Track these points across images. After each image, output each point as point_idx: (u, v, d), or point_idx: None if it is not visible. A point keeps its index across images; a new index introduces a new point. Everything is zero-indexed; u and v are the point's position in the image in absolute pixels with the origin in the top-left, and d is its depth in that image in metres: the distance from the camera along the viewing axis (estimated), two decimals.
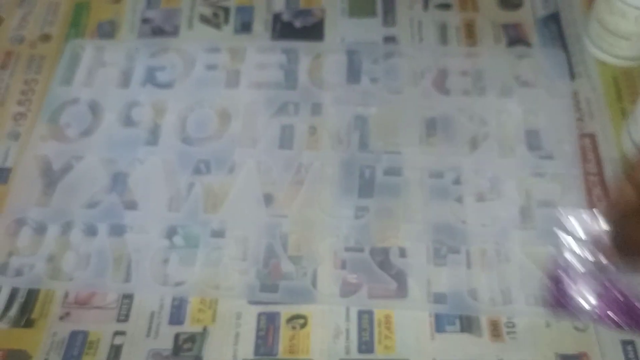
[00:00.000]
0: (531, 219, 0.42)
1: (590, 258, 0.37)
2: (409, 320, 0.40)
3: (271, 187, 0.45)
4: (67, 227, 0.44)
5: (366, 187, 0.44)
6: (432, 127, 0.47)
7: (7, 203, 0.45)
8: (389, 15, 0.53)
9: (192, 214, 0.44)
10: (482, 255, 0.41)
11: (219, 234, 0.43)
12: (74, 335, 0.40)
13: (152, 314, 0.41)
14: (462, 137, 0.46)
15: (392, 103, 0.48)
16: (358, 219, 0.43)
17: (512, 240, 0.41)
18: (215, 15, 0.54)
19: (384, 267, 0.41)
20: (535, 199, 0.43)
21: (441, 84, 0.48)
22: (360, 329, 0.39)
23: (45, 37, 0.54)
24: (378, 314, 0.40)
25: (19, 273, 0.42)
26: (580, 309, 0.37)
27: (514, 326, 0.39)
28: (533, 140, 0.45)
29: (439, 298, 0.40)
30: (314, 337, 0.39)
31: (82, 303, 0.41)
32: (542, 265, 0.40)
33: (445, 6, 0.53)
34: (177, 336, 0.40)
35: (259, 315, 0.40)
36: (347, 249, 0.42)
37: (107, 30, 0.54)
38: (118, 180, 0.46)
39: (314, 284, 0.41)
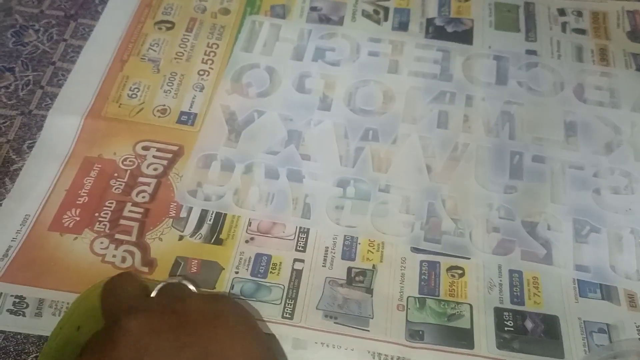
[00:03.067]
0: None
1: None
2: (554, 283, 0.45)
3: (431, 159, 0.51)
4: (250, 167, 0.50)
5: (516, 170, 0.50)
6: (571, 129, 0.53)
7: (197, 140, 0.51)
8: (530, 32, 0.60)
9: (362, 171, 0.50)
10: (619, 239, 0.47)
11: (385, 190, 0.49)
12: (259, 256, 0.46)
13: (326, 249, 0.46)
14: (599, 140, 0.52)
15: (536, 105, 0.54)
16: (508, 194, 0.49)
17: None
18: (376, 12, 0.61)
19: (533, 236, 0.47)
20: None
21: (580, 94, 0.55)
22: (512, 285, 0.45)
23: (225, 11, 0.61)
24: (526, 275, 0.45)
25: (207, 199, 0.48)
26: None
27: None
28: None
29: (581, 268, 0.46)
30: (471, 286, 0.45)
31: (264, 232, 0.47)
32: None
33: (581, 31, 0.60)
34: (349, 269, 0.45)
35: (421, 262, 0.46)
36: (500, 217, 0.48)
37: (279, 12, 0.61)
38: (294, 136, 0.52)
39: (472, 241, 0.47)
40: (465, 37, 0.59)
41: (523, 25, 0.60)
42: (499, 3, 0.62)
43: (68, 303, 0.43)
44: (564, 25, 0.60)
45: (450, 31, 0.60)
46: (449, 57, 0.57)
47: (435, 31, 0.60)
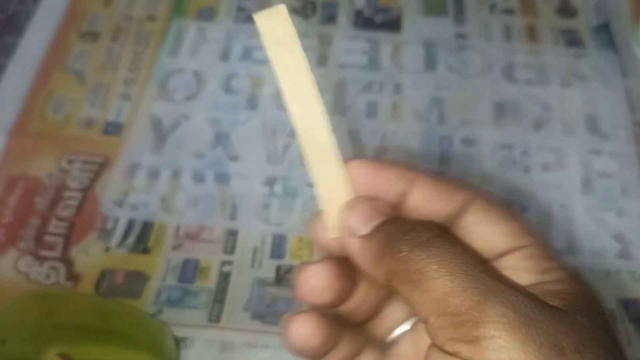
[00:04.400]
0: (592, 187, 0.48)
1: None
2: None
3: (360, 151, 0.50)
4: (177, 173, 0.49)
5: (445, 156, 0.50)
6: (501, 109, 0.53)
7: (123, 150, 0.50)
8: (459, 15, 0.59)
9: (290, 168, 0.49)
10: (549, 216, 0.47)
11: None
12: (186, 262, 0.45)
13: (255, 249, 0.46)
14: (528, 119, 0.52)
15: (465, 88, 0.54)
16: None
17: (576, 204, 0.47)
18: (303, 7, 0.61)
19: None
20: (595, 172, 0.49)
21: (509, 74, 0.55)
22: None
23: (151, 17, 0.60)
24: None
25: (134, 208, 0.48)
26: None
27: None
28: (591, 125, 0.51)
29: None
30: None
31: (192, 237, 0.46)
32: (602, 226, 0.45)
33: (509, 11, 0.60)
34: (278, 268, 0.45)
35: None
36: None
37: (207, 15, 0.60)
38: (221, 137, 0.51)
39: None
40: (394, 26, 0.59)
41: (452, 9, 0.60)
42: None
43: None
44: (492, 7, 0.60)
45: (379, 21, 0.59)
46: (378, 47, 0.57)
47: (364, 23, 0.59)
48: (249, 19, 0.59)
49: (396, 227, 0.23)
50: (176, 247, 0.46)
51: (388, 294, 0.27)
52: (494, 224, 0.24)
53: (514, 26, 0.58)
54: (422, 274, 0.21)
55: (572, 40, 0.57)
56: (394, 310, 0.28)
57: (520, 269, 0.23)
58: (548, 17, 0.59)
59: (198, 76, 0.55)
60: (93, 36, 0.58)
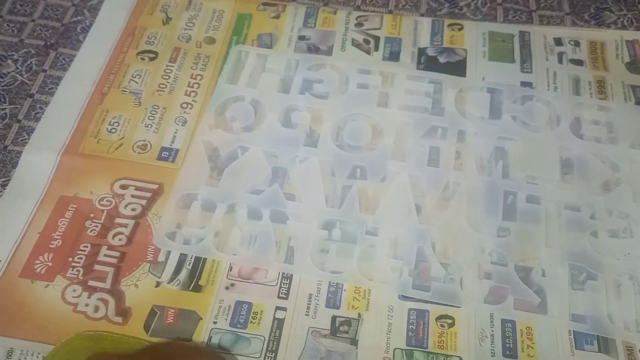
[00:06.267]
0: None
1: None
2: (549, 335, 0.43)
3: (420, 199, 0.49)
4: (233, 208, 0.48)
5: (509, 211, 0.48)
6: (567, 166, 0.51)
7: (178, 179, 0.49)
8: (526, 62, 0.58)
9: (349, 212, 0.48)
10: (617, 286, 0.45)
11: (373, 232, 0.47)
12: (239, 304, 0.44)
13: (310, 296, 0.44)
14: (596, 179, 0.50)
15: (531, 140, 0.52)
16: (500, 237, 0.47)
17: None
18: (366, 41, 0.59)
19: (526, 283, 0.45)
20: None
21: (576, 129, 0.53)
22: (504, 336, 0.43)
23: (210, 40, 0.59)
24: (520, 325, 0.43)
25: (186, 242, 0.46)
26: None
27: None
28: None
29: (577, 318, 0.43)
30: (461, 337, 0.43)
31: (246, 277, 0.45)
32: None
33: (578, 62, 0.58)
34: (334, 318, 0.43)
35: (409, 310, 0.44)
36: (492, 262, 0.46)
37: (266, 42, 0.59)
38: (279, 174, 0.50)
39: (463, 288, 0.44)
40: (458, 68, 0.57)
41: (518, 55, 0.58)
42: (493, 32, 0.60)
43: (39, 354, 0.41)
44: (560, 56, 0.58)
45: (443, 62, 0.58)
46: (441, 90, 0.55)
47: (427, 61, 0.58)
48: (309, 49, 0.58)
49: None
50: (229, 288, 0.44)
51: None
52: None
53: (583, 78, 0.57)
54: None
55: None
56: None
57: None
58: (618, 71, 0.57)
59: (257, 106, 0.54)
60: (151, 55, 0.57)
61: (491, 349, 0.42)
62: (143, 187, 0.49)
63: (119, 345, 0.39)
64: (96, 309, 0.43)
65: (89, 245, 0.46)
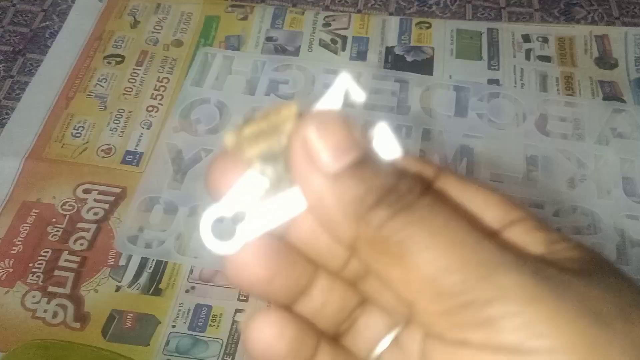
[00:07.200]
0: (626, 256, 0.46)
1: None
2: None
3: None
4: (194, 210, 0.48)
5: None
6: (533, 163, 0.51)
7: (141, 182, 0.49)
8: (493, 60, 0.57)
9: None
10: None
11: None
12: (198, 307, 0.43)
13: None
14: (561, 176, 0.50)
15: (496, 138, 0.52)
16: None
17: None
18: (334, 41, 0.59)
19: None
20: (629, 239, 0.46)
21: (542, 126, 0.53)
22: None
23: (177, 42, 0.59)
24: None
25: (148, 246, 0.46)
26: None
27: None
28: (628, 186, 0.49)
29: None
30: None
31: (206, 280, 0.45)
32: None
33: (546, 58, 0.58)
34: None
35: None
36: None
37: (234, 43, 0.59)
38: None
39: None
40: (425, 66, 0.57)
41: (486, 53, 0.58)
42: (461, 30, 0.59)
43: None
44: (528, 52, 0.58)
45: (410, 60, 0.58)
46: (407, 88, 0.55)
47: (394, 60, 0.58)
48: (277, 50, 0.58)
49: (372, 176, 0.18)
50: (189, 291, 0.44)
51: (360, 300, 0.22)
52: (475, 196, 0.19)
53: (551, 75, 0.56)
54: (406, 246, 0.16)
55: (611, 93, 0.55)
56: (371, 320, 0.22)
57: (525, 242, 0.18)
58: (586, 66, 0.57)
59: (222, 108, 0.54)
60: (118, 59, 0.57)
61: None
62: (106, 191, 0.49)
63: (69, 354, 0.39)
64: (55, 314, 0.43)
65: (50, 251, 0.46)
